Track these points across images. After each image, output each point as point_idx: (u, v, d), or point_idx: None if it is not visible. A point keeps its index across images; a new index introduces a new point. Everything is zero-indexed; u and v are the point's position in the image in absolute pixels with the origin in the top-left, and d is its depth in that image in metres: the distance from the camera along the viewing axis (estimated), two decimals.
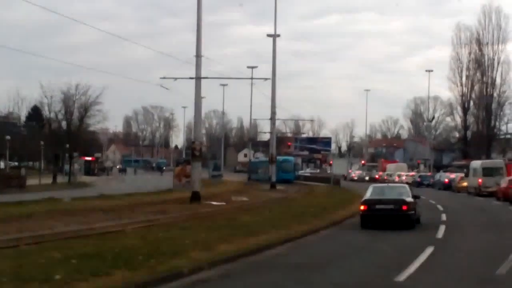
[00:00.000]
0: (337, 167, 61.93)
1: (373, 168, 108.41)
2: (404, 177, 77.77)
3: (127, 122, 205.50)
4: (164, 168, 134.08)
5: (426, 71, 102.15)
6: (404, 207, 23.65)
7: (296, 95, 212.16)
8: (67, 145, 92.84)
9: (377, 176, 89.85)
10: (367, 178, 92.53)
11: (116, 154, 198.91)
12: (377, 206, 23.93)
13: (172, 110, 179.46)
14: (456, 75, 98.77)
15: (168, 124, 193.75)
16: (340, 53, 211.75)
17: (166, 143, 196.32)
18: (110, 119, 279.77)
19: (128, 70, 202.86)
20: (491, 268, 14.25)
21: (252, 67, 76.36)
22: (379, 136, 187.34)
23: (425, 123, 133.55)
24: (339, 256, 16.89)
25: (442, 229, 23.66)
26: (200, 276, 12.99)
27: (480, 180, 50.51)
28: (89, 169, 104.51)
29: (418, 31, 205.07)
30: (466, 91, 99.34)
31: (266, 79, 36.23)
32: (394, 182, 77.05)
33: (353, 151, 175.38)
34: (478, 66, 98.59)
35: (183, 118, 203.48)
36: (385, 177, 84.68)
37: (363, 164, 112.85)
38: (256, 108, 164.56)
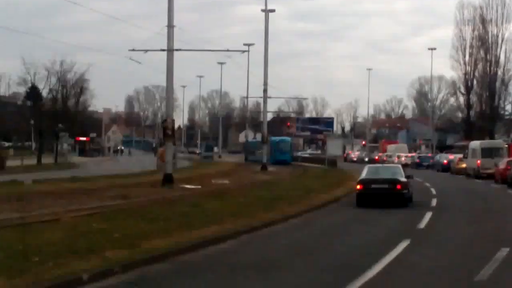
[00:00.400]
0: (333, 148, 59.26)
1: (375, 149, 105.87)
2: (403, 158, 75.22)
3: (129, 102, 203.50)
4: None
5: (429, 49, 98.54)
6: (398, 186, 24.72)
7: (299, 75, 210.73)
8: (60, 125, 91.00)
9: (376, 157, 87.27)
10: (366, 159, 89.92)
11: (117, 134, 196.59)
12: (373, 186, 25.01)
13: (174, 89, 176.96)
14: (459, 53, 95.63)
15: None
16: (344, 32, 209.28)
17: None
18: (112, 99, 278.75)
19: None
20: (471, 272, 11.70)
21: (249, 45, 73.65)
22: (383, 116, 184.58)
23: (429, 104, 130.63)
24: (297, 253, 14.34)
25: (427, 217, 21.20)
26: (104, 283, 10.48)
27: (478, 162, 47.87)
28: (83, 150, 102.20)
29: (423, 10, 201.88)
30: (469, 69, 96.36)
31: (243, 51, 33.39)
32: (393, 163, 74.73)
33: (357, 131, 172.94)
34: (482, 44, 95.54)
35: (183, 98, 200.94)
36: (385, 158, 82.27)
37: (364, 145, 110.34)
38: (256, 87, 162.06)
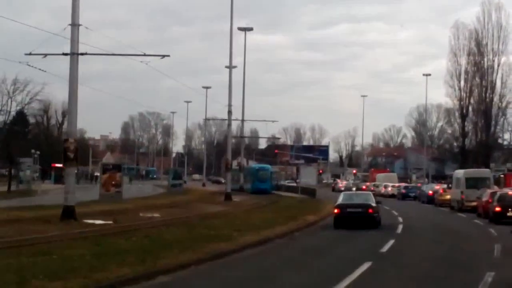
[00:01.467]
0: (306, 176, 53.99)
1: (366, 178, 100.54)
2: (389, 188, 69.98)
3: (125, 129, 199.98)
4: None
5: (424, 75, 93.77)
6: (370, 210, 28.32)
7: (303, 104, 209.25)
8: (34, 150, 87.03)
9: (364, 187, 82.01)
10: (354, 188, 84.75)
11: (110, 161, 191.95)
12: (348, 210, 28.35)
13: (169, 116, 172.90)
14: (453, 79, 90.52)
15: (167, 130, 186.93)
16: (347, 62, 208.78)
17: (165, 151, 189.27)
18: (109, 125, 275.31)
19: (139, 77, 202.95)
20: None
21: (230, 67, 69.01)
22: (382, 145, 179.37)
23: (426, 132, 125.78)
24: None
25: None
26: None
27: (462, 193, 42.59)
28: (60, 176, 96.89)
29: (426, 41, 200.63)
30: (464, 96, 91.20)
31: (163, 56, 28.02)
32: (380, 193, 69.82)
33: (354, 160, 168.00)
34: (477, 70, 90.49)
35: (184, 123, 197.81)
36: (372, 188, 77.06)
37: (355, 174, 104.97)
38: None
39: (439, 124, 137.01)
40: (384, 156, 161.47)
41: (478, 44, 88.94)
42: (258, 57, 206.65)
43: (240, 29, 66.28)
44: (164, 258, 16.51)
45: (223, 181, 75.27)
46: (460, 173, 45.06)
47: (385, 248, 21.13)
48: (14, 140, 79.61)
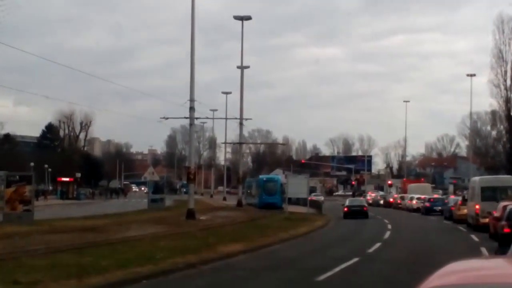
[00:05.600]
0: (294, 188, 44.97)
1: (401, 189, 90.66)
2: (414, 201, 60.39)
3: (169, 142, 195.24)
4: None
5: (467, 75, 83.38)
6: (365, 208, 49.31)
7: (359, 116, 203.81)
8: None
9: (391, 199, 72.58)
10: (381, 202, 75.37)
11: (154, 176, 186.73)
12: (352, 208, 48.50)
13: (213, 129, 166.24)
14: (498, 77, 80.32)
15: (214, 143, 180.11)
16: (403, 74, 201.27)
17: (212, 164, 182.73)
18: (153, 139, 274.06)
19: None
20: None
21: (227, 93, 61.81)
22: (434, 155, 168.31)
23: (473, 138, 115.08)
24: None
25: None
26: None
27: (477, 206, 33.02)
28: (65, 192, 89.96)
29: (483, 50, 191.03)
30: (511, 95, 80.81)
31: None
32: (405, 206, 61.07)
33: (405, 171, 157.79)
34: None
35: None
36: (399, 201, 67.74)
37: (390, 185, 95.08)
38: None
39: (494, 132, 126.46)
40: (434, 166, 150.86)
41: None
42: (313, 69, 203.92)
43: (236, 18, 58.20)
44: None
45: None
46: (475, 181, 35.35)
47: None
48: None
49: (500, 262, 5.13)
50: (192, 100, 38.31)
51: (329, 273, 17.28)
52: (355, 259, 20.61)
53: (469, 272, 4.26)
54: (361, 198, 65.76)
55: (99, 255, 19.94)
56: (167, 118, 45.01)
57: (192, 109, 38.51)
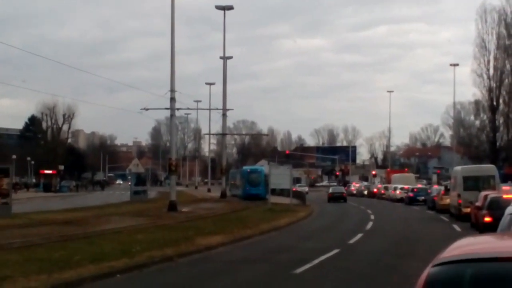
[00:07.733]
0: (276, 179, 44.55)
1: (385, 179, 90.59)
2: (398, 191, 60.35)
3: (153, 134, 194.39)
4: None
5: (451, 65, 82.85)
6: (344, 194, 63.23)
7: (344, 106, 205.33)
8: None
9: (375, 190, 72.50)
10: (365, 192, 75.31)
11: (139, 168, 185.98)
12: (334, 194, 62.36)
13: (199, 120, 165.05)
14: (481, 66, 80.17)
15: (198, 135, 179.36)
16: (388, 64, 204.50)
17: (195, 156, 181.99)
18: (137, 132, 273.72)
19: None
20: None
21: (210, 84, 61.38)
22: (418, 145, 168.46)
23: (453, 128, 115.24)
24: None
25: None
26: None
27: (459, 196, 32.89)
28: (48, 185, 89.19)
29: (467, 40, 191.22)
30: (494, 85, 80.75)
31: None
32: (389, 196, 61.20)
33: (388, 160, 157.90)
34: (508, 55, 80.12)
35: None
36: (382, 191, 67.71)
37: (374, 175, 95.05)
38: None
39: (477, 122, 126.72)
40: (418, 156, 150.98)
41: (508, 26, 78.80)
42: (299, 60, 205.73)
43: (218, 7, 57.63)
44: None
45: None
46: (457, 170, 35.21)
47: None
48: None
49: (501, 237, 5.93)
50: (173, 90, 37.85)
51: (307, 266, 17.02)
52: (336, 251, 20.38)
53: (476, 245, 4.83)
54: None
55: (75, 249, 19.59)
56: (147, 109, 44.63)
57: (173, 99, 38.08)
